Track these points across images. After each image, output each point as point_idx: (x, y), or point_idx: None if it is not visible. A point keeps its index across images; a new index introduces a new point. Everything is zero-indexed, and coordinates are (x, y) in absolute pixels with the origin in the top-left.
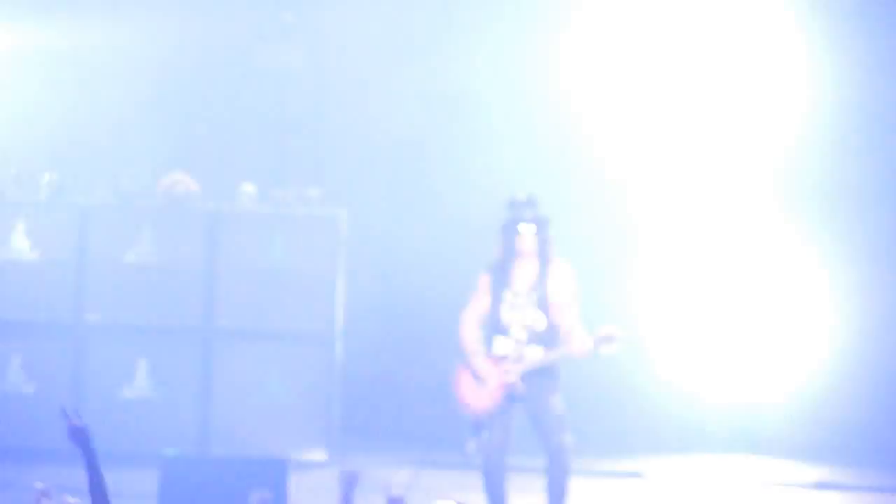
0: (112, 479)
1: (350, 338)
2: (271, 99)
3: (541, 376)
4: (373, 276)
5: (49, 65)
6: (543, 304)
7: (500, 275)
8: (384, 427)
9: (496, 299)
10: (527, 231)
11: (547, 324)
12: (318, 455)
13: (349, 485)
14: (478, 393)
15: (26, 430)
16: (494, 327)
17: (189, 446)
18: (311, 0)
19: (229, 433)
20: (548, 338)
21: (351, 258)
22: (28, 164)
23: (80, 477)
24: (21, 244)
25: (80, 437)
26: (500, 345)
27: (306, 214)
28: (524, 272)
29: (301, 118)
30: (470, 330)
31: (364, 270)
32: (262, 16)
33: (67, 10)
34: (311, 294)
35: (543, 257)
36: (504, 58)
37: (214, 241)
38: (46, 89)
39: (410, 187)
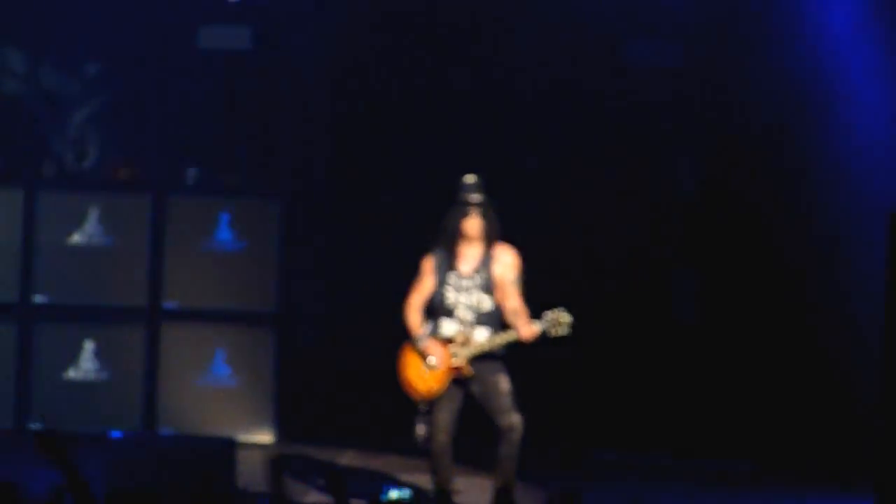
0: None
1: (298, 321)
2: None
3: (487, 357)
4: (322, 259)
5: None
6: (488, 287)
7: (445, 257)
8: (333, 410)
9: (441, 281)
10: (475, 216)
11: (492, 305)
12: (265, 437)
13: (277, 468)
14: (425, 376)
15: None
16: (440, 309)
17: (135, 427)
18: None
19: (176, 414)
20: (493, 319)
21: (300, 241)
22: None
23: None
24: None
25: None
26: (446, 327)
27: (248, 200)
28: (469, 255)
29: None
30: (415, 312)
31: (312, 253)
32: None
33: None
34: (256, 276)
35: (488, 240)
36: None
37: (159, 224)
38: None
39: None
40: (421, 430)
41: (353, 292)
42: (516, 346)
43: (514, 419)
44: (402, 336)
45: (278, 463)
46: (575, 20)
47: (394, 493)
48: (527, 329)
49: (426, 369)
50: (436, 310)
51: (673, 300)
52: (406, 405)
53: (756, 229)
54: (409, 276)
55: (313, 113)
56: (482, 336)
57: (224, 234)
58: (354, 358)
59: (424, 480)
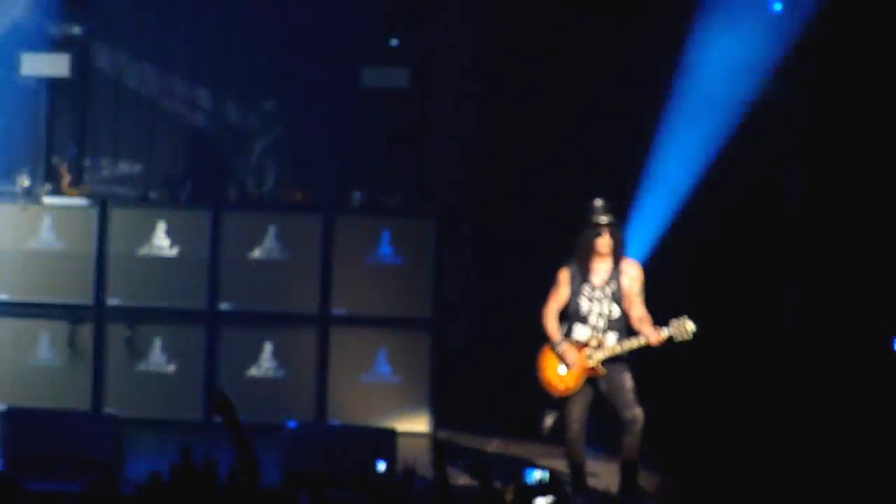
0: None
1: (450, 324)
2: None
3: (615, 359)
4: (469, 271)
5: None
6: (617, 297)
7: (579, 270)
8: (479, 404)
9: (576, 291)
10: (605, 235)
11: (620, 313)
12: (422, 427)
13: (439, 451)
14: (561, 375)
15: (167, 404)
16: (574, 316)
17: (308, 418)
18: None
19: (343, 407)
20: (621, 325)
21: (451, 255)
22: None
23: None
24: (162, 242)
25: (223, 408)
26: (580, 331)
27: (405, 220)
28: (600, 268)
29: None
30: (552, 319)
31: (461, 265)
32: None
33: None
34: (412, 286)
35: (616, 256)
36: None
37: (329, 240)
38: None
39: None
40: (548, 421)
41: (497, 299)
42: (647, 350)
43: (637, 412)
44: (541, 338)
45: (440, 449)
46: None
47: (535, 475)
48: (655, 335)
49: (563, 369)
50: (571, 316)
51: (784, 308)
52: (544, 400)
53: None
54: (546, 285)
55: (461, 142)
56: (613, 340)
57: (385, 249)
58: (499, 357)
59: (560, 464)
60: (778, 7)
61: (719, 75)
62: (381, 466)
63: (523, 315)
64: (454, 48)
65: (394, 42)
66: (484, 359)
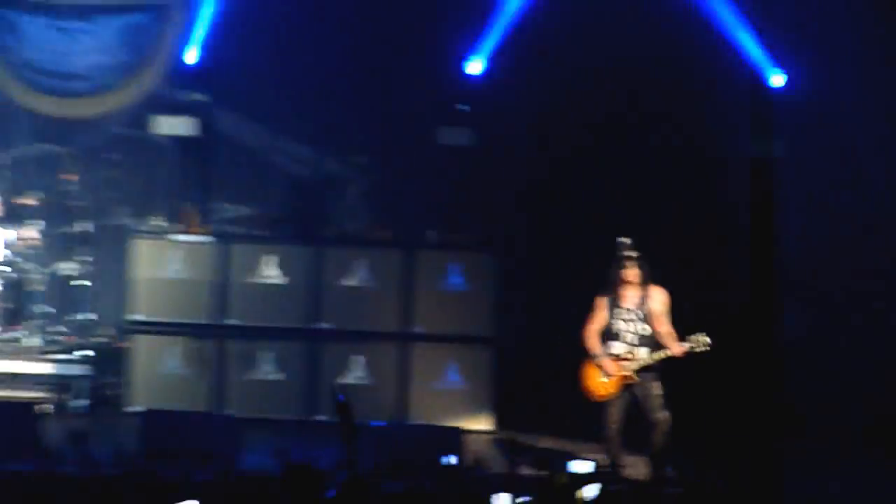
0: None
1: (507, 341)
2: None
3: (647, 369)
4: (525, 296)
5: None
6: (646, 317)
7: (613, 296)
8: (533, 406)
9: (611, 314)
10: (633, 267)
11: (649, 331)
12: (485, 426)
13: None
14: (602, 383)
15: (275, 407)
16: (611, 335)
17: (392, 418)
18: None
19: (421, 409)
20: (650, 341)
21: (509, 284)
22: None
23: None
24: (272, 272)
25: (343, 410)
26: (616, 347)
27: (472, 254)
28: (630, 294)
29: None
30: (593, 337)
31: (518, 292)
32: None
33: None
34: (477, 309)
35: (644, 283)
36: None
37: (409, 271)
38: None
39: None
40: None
41: (546, 320)
42: (670, 361)
43: (663, 415)
44: (583, 352)
45: (505, 445)
46: None
47: (580, 465)
48: (678, 348)
49: (603, 378)
50: (608, 335)
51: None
52: (587, 405)
53: None
54: (586, 309)
55: (517, 189)
56: (644, 353)
57: (455, 278)
58: (549, 367)
59: (601, 458)
60: None
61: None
62: (452, 459)
63: (569, 333)
64: (512, 112)
65: (463, 108)
66: (536, 369)
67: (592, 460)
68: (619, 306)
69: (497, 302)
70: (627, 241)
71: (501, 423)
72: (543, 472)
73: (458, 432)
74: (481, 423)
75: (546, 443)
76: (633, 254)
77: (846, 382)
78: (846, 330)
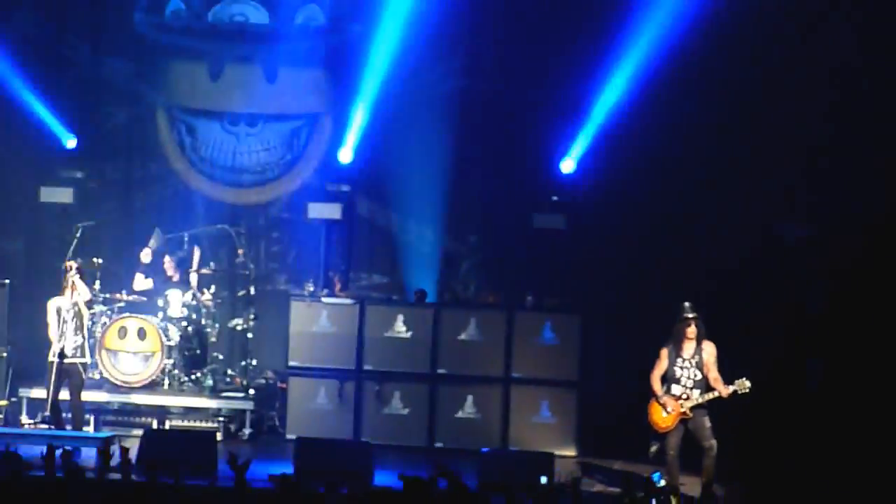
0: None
1: (590, 385)
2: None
3: (699, 406)
4: (603, 348)
5: None
6: (700, 365)
7: (674, 348)
8: (612, 436)
9: (671, 363)
10: (692, 325)
11: (701, 377)
12: (571, 452)
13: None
14: (664, 417)
15: (402, 435)
16: (671, 379)
17: (493, 446)
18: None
19: (519, 439)
20: (702, 385)
21: (592, 338)
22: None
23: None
24: (400, 328)
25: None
26: (675, 389)
27: (562, 314)
28: (688, 347)
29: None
30: (656, 381)
31: (598, 345)
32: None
33: None
34: (565, 359)
35: (699, 339)
36: None
37: (510, 328)
38: None
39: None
40: (653, 448)
41: (620, 366)
42: (719, 400)
43: (712, 442)
44: (648, 394)
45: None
46: None
47: (661, 482)
48: (725, 390)
49: (664, 414)
50: (668, 379)
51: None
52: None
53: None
54: (652, 358)
55: (600, 262)
56: (697, 394)
57: (547, 334)
58: (622, 406)
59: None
60: None
61: None
62: (543, 479)
63: (636, 378)
64: (594, 202)
65: (554, 198)
66: (611, 406)
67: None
68: (678, 356)
69: (581, 353)
70: (688, 304)
71: (583, 450)
72: (632, 490)
73: (550, 457)
74: (568, 450)
75: (619, 466)
76: (692, 315)
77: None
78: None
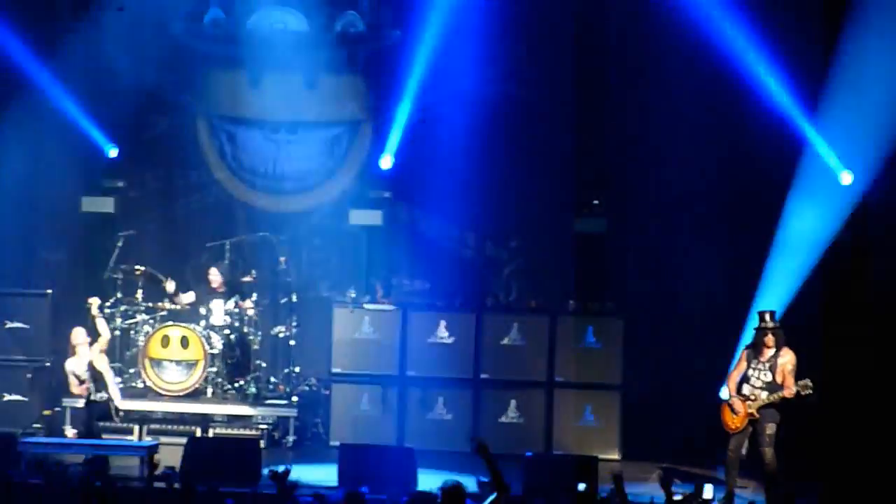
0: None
1: (634, 388)
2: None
3: (766, 408)
4: (646, 353)
5: None
6: (773, 368)
7: (754, 351)
8: (657, 439)
9: (748, 365)
10: (770, 333)
11: (772, 379)
12: (615, 455)
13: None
14: (732, 418)
15: (446, 441)
16: (744, 380)
17: (537, 450)
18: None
19: (563, 442)
20: (773, 387)
21: (633, 342)
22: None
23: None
24: (443, 333)
25: (484, 450)
26: (745, 389)
27: (603, 318)
28: (767, 350)
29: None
30: (733, 382)
31: (641, 350)
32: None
33: None
34: (608, 363)
35: (778, 346)
36: None
37: (553, 333)
38: None
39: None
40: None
41: (662, 370)
42: (786, 402)
43: (765, 450)
44: (691, 395)
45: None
46: None
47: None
48: (788, 391)
49: (734, 414)
50: (742, 380)
51: None
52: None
53: None
54: (693, 362)
55: (641, 268)
56: (764, 395)
57: (590, 338)
58: (664, 408)
59: (719, 480)
60: None
61: None
62: (581, 486)
63: (681, 380)
64: (633, 203)
65: (595, 202)
66: (654, 409)
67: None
68: (756, 358)
69: (623, 356)
70: (768, 312)
71: (626, 453)
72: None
73: (594, 460)
74: (611, 454)
75: (657, 468)
76: (771, 325)
77: None
78: None
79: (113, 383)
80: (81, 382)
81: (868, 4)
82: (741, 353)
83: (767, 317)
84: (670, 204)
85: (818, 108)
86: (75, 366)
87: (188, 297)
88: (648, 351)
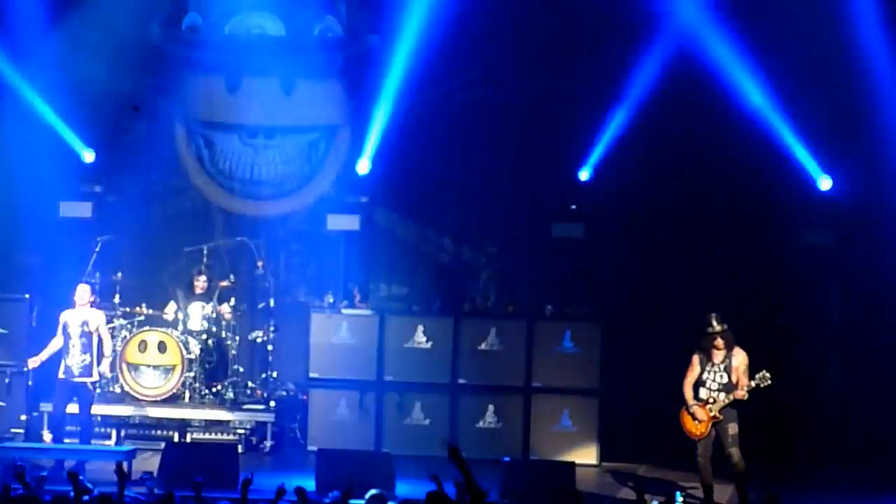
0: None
1: (611, 393)
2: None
3: (728, 410)
4: (625, 357)
5: None
6: (728, 370)
7: (705, 354)
8: (634, 443)
9: (702, 368)
10: (718, 337)
11: (727, 380)
12: (592, 460)
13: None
14: (696, 425)
15: (423, 446)
16: (699, 383)
17: (515, 455)
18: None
19: (540, 447)
20: (728, 388)
21: (612, 346)
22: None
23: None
24: (420, 338)
25: (456, 455)
26: (702, 393)
27: (581, 323)
28: (718, 353)
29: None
30: (689, 388)
31: (619, 353)
32: None
33: None
34: (585, 367)
35: (729, 347)
36: None
37: (530, 337)
38: None
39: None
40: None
41: (640, 375)
42: (745, 398)
43: (731, 451)
44: (670, 399)
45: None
46: None
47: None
48: (741, 393)
49: (696, 421)
50: (697, 384)
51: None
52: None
53: None
54: (670, 366)
55: (618, 272)
56: (722, 396)
57: (567, 343)
58: (641, 413)
59: (694, 483)
60: None
61: None
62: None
63: (658, 384)
64: (612, 210)
65: (573, 207)
66: (632, 414)
67: (683, 487)
68: (709, 361)
69: (601, 361)
70: (715, 315)
71: (604, 457)
72: (643, 496)
73: (571, 466)
74: (588, 458)
75: (642, 472)
76: (718, 329)
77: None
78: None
79: (109, 352)
80: (67, 338)
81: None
82: (693, 357)
83: (714, 321)
84: (648, 209)
85: (795, 111)
86: (69, 316)
87: (171, 308)
88: (626, 355)
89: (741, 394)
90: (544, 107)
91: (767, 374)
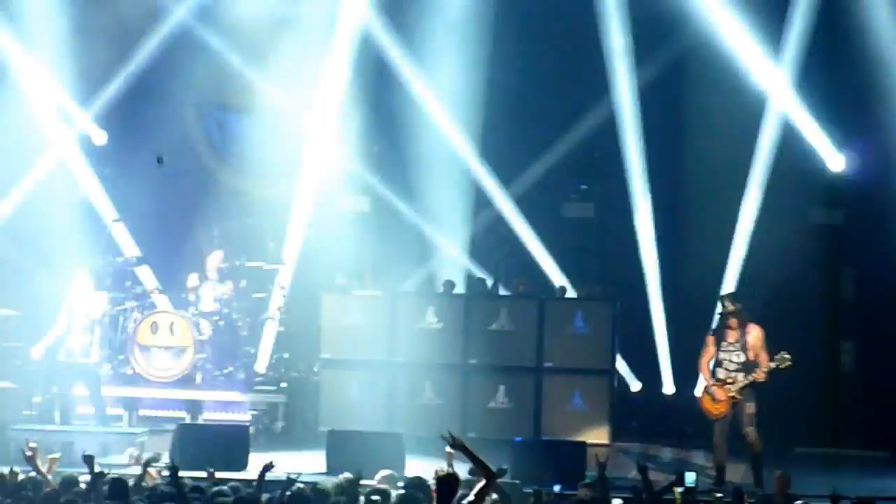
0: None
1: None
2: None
3: (744, 389)
4: (635, 338)
5: None
6: (744, 348)
7: (719, 335)
8: (640, 423)
9: (718, 348)
10: (731, 317)
11: (745, 359)
12: (603, 440)
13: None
14: (714, 405)
15: (434, 427)
16: (716, 363)
17: (526, 435)
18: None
19: (552, 427)
20: (747, 367)
21: (622, 327)
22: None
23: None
24: (431, 319)
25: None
26: (720, 373)
27: (593, 302)
28: (732, 332)
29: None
30: (706, 368)
31: (629, 334)
32: None
33: None
34: (597, 347)
35: (742, 325)
36: None
37: (542, 317)
38: None
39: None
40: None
41: (651, 357)
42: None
43: (748, 430)
44: (687, 380)
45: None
46: None
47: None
48: (762, 374)
49: (714, 401)
50: (715, 364)
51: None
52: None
53: None
54: (682, 348)
55: (630, 252)
56: (741, 377)
57: (578, 322)
58: (652, 393)
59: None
60: None
61: None
62: (556, 488)
63: (673, 366)
64: (625, 190)
65: (583, 187)
66: (643, 395)
67: (699, 466)
68: (724, 340)
69: (612, 341)
70: (729, 293)
71: (615, 437)
72: (648, 477)
73: (583, 446)
74: (600, 438)
75: (651, 452)
76: (731, 308)
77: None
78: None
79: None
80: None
81: None
82: (707, 338)
83: (727, 301)
84: (660, 188)
85: (805, 89)
86: (73, 299)
87: (193, 278)
88: (638, 336)
89: (760, 375)
90: (554, 85)
91: (787, 356)
